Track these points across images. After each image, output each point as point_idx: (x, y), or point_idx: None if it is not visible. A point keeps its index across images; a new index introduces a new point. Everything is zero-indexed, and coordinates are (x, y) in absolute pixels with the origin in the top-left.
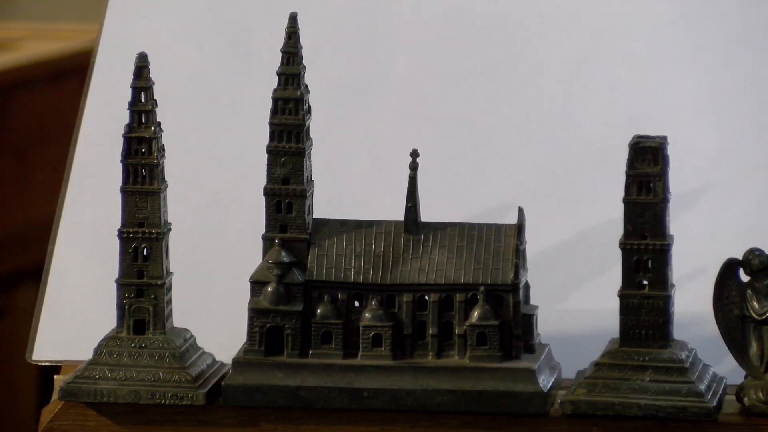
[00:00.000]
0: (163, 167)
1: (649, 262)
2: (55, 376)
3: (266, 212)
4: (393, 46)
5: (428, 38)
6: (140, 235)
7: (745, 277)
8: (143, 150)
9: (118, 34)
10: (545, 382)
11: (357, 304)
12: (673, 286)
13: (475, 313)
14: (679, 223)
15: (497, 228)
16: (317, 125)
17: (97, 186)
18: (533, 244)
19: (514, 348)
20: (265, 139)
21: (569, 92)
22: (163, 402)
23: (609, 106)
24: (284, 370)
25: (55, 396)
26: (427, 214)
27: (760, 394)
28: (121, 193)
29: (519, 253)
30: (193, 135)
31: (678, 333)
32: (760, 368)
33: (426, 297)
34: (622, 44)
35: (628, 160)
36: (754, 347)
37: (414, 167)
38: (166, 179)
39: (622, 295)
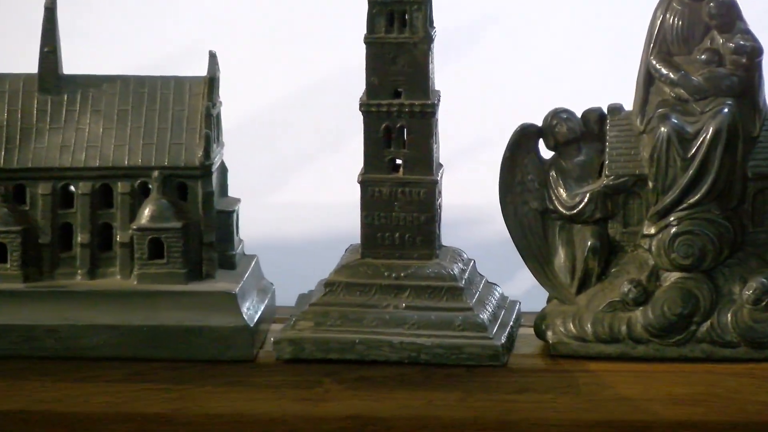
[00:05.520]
0: None
1: (400, 131)
2: None
3: None
4: None
5: None
6: None
7: (547, 153)
8: None
9: None
10: (252, 311)
11: None
12: (440, 166)
13: (146, 212)
14: (447, 73)
15: (178, 83)
16: None
17: None
18: (231, 109)
19: (205, 262)
20: None
21: None
22: None
23: None
24: None
25: None
26: (72, 65)
27: (571, 326)
28: None
29: (211, 121)
30: None
31: (449, 237)
32: (570, 287)
33: (72, 187)
34: None
35: None
36: (561, 256)
37: None
38: None
39: (365, 181)
